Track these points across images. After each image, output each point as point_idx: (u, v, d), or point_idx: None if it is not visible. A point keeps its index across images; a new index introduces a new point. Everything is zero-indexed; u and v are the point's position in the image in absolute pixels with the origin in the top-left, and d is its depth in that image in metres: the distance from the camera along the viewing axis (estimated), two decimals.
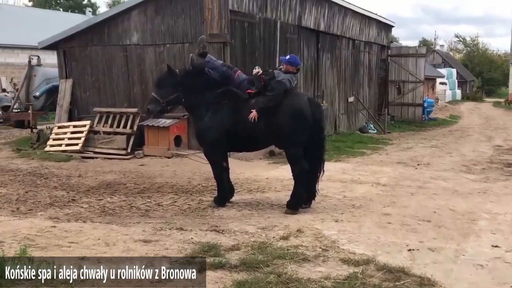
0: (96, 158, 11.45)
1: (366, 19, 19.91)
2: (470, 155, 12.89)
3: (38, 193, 8.09)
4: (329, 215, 6.53)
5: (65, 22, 20.39)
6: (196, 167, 10.01)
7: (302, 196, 6.83)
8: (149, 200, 7.56)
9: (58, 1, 51.54)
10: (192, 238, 5.47)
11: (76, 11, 46.08)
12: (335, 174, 9.37)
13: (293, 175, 6.84)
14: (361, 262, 4.70)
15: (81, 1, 51.83)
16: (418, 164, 11.14)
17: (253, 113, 6.64)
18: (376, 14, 21.36)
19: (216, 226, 5.96)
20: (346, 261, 4.74)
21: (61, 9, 47.42)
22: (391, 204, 7.26)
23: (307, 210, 6.81)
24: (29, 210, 7.01)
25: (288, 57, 7.06)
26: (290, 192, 6.97)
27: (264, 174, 9.57)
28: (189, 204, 7.28)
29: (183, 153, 11.23)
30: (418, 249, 5.13)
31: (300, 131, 6.66)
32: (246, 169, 9.93)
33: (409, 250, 5.12)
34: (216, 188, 7.28)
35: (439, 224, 6.18)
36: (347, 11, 17.81)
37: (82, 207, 7.23)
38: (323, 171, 6.97)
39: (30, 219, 6.36)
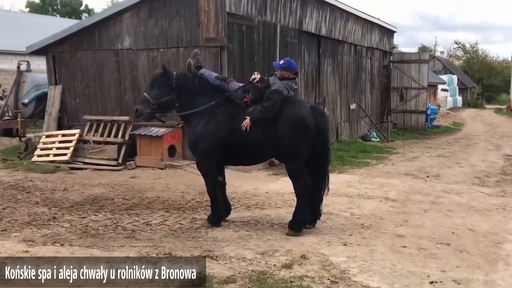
0: (85, 169, 10.80)
1: (368, 24, 19.31)
2: (481, 165, 12.22)
3: (17, 209, 7.42)
4: (336, 237, 5.86)
5: (60, 28, 19.67)
6: (190, 179, 9.34)
7: (305, 215, 6.14)
8: (137, 219, 6.87)
9: (55, 7, 50.99)
10: (182, 266, 4.80)
11: (73, 17, 45.46)
12: (340, 187, 8.71)
13: (294, 192, 6.16)
14: None
15: (78, 7, 51.28)
16: (428, 176, 10.45)
17: (246, 121, 5.99)
18: (378, 19, 20.76)
19: (210, 251, 5.31)
20: None
21: (57, 15, 46.81)
22: (404, 223, 6.59)
23: (312, 231, 6.12)
24: (2, 230, 6.32)
25: (281, 62, 6.33)
26: (291, 209, 6.31)
27: (263, 187, 8.91)
28: (180, 224, 6.60)
29: (177, 164, 10.57)
30: (441, 281, 4.47)
31: (301, 142, 5.98)
32: (244, 181, 9.28)
33: (431, 282, 4.45)
34: (210, 205, 6.61)
35: (460, 248, 5.51)
36: (349, 16, 17.20)
37: (62, 226, 6.56)
38: (328, 188, 6.28)
39: (1, 242, 5.70)
